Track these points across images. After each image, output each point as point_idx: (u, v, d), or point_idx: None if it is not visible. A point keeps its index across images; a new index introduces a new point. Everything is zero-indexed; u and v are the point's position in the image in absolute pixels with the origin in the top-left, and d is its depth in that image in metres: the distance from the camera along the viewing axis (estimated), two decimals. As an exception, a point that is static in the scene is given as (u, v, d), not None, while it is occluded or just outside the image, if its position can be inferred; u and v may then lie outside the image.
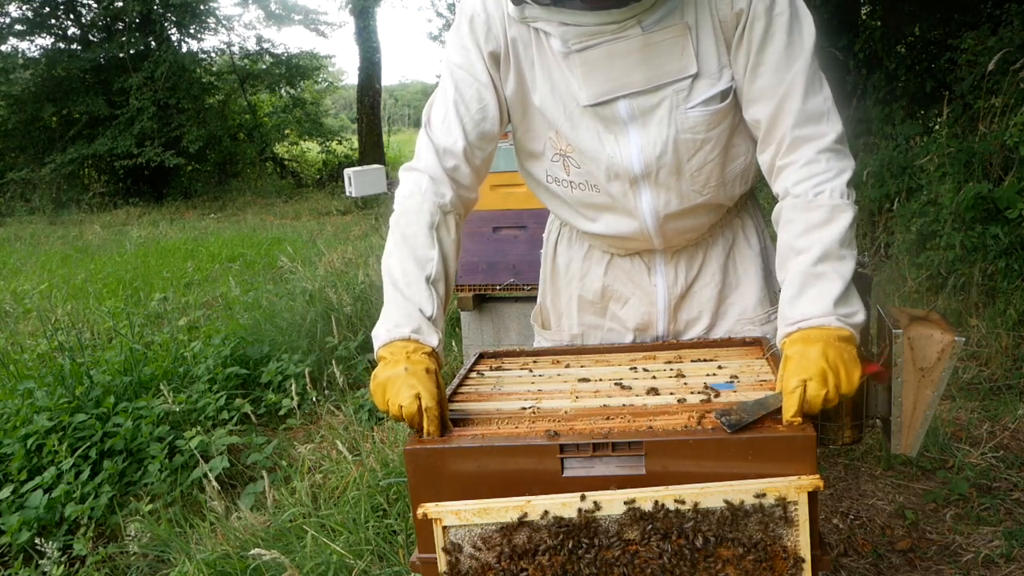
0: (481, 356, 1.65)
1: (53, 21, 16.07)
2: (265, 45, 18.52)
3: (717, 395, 1.29)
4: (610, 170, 1.44)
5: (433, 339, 1.31)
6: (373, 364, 1.34)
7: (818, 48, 1.36)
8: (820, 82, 1.36)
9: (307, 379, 3.80)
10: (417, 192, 1.45)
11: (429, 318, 1.33)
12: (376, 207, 11.02)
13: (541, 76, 1.43)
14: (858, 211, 1.32)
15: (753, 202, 1.67)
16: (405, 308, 1.33)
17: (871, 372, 1.24)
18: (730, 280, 1.62)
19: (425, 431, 1.20)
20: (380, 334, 1.33)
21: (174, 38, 16.76)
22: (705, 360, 1.50)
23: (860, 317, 1.23)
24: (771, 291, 1.63)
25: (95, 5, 16.28)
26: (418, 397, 1.20)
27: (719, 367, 1.45)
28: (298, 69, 18.48)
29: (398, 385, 1.22)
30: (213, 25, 17.76)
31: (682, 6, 1.33)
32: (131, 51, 15.48)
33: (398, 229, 1.43)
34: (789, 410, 1.13)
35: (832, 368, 1.15)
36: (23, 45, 16.43)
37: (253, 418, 3.77)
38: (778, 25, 1.33)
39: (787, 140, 1.35)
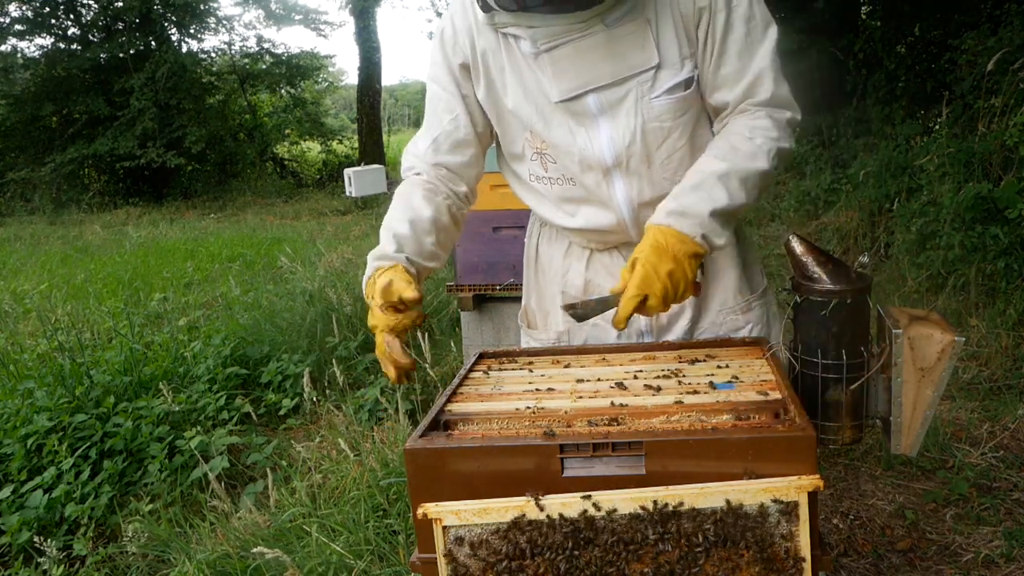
0: (481, 356, 1.65)
1: (53, 21, 16.07)
2: (265, 45, 18.53)
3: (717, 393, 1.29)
4: (583, 162, 1.51)
5: (389, 247, 1.43)
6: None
7: (779, 45, 1.46)
8: (781, 69, 1.46)
9: (307, 379, 3.81)
10: (418, 167, 1.60)
11: (395, 235, 1.45)
12: (376, 207, 11.03)
13: (512, 79, 1.51)
14: (772, 177, 1.43)
15: None
16: (371, 256, 1.45)
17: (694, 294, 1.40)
18: (709, 271, 1.67)
19: (385, 371, 1.35)
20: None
21: (174, 38, 16.77)
22: (705, 360, 1.50)
23: (722, 241, 1.37)
24: (749, 280, 1.70)
25: (95, 5, 16.28)
26: (381, 332, 1.34)
27: (719, 367, 1.45)
28: (298, 69, 18.49)
29: (373, 328, 1.37)
30: (213, 25, 17.76)
31: (643, 2, 1.40)
32: (131, 51, 15.48)
33: (399, 194, 1.57)
34: (622, 312, 1.31)
35: (674, 288, 1.32)
36: (23, 45, 16.42)
37: (253, 418, 3.77)
38: (736, 15, 1.42)
39: (747, 107, 1.46)
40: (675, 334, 1.66)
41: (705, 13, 1.41)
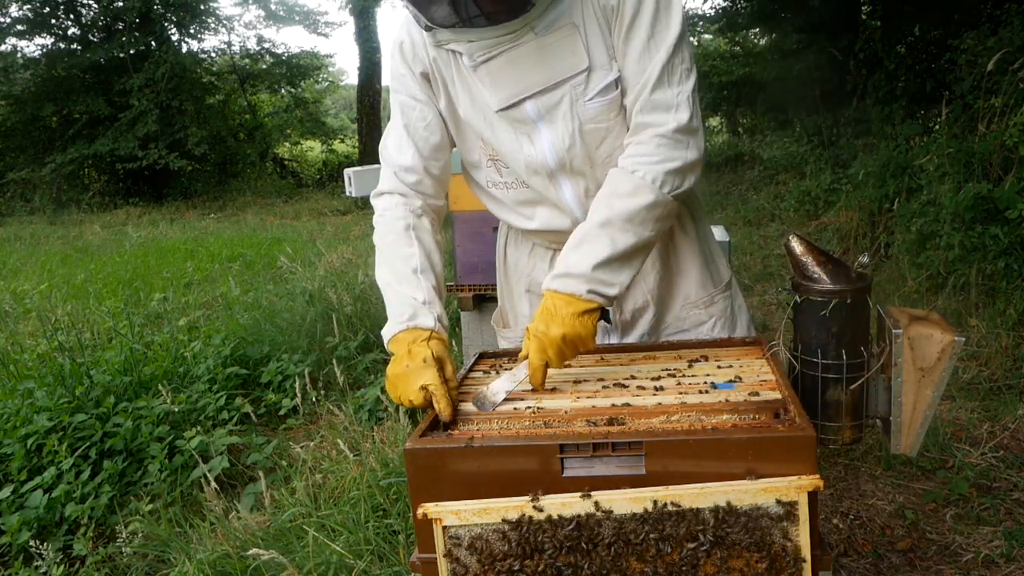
0: (481, 356, 1.66)
1: (53, 21, 16.07)
2: (266, 45, 18.52)
3: (718, 390, 1.29)
4: (529, 167, 1.54)
5: (428, 320, 1.43)
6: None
7: (685, 41, 1.42)
8: (681, 75, 1.43)
9: (307, 379, 3.80)
10: (389, 208, 1.60)
11: (424, 302, 1.46)
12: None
13: (461, 91, 1.54)
14: (670, 200, 1.41)
15: (692, 198, 1.74)
16: (400, 300, 1.47)
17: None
18: (671, 267, 1.69)
19: (439, 412, 1.30)
20: (385, 332, 1.46)
21: (174, 38, 16.76)
22: (705, 360, 1.50)
23: (614, 291, 1.38)
24: (712, 275, 1.72)
25: (95, 5, 16.28)
26: (424, 388, 1.32)
27: (719, 367, 1.45)
28: (298, 69, 18.48)
29: (407, 382, 1.36)
30: (213, 25, 17.75)
31: (569, 8, 1.42)
32: (131, 51, 15.47)
33: (381, 245, 1.58)
34: (534, 381, 1.36)
35: (569, 347, 1.36)
36: (23, 45, 16.42)
37: (253, 418, 3.77)
38: (643, 18, 1.41)
39: (633, 125, 1.45)
40: (639, 330, 1.70)
41: (615, 11, 1.42)
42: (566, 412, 1.27)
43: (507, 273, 1.84)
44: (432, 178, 1.62)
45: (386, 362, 4.10)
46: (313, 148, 18.82)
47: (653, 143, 1.41)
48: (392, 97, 1.63)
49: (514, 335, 1.83)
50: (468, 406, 1.35)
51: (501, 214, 1.70)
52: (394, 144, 1.62)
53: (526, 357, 1.38)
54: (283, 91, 18.73)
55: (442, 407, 1.30)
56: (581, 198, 1.56)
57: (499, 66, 1.45)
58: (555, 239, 1.66)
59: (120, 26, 15.99)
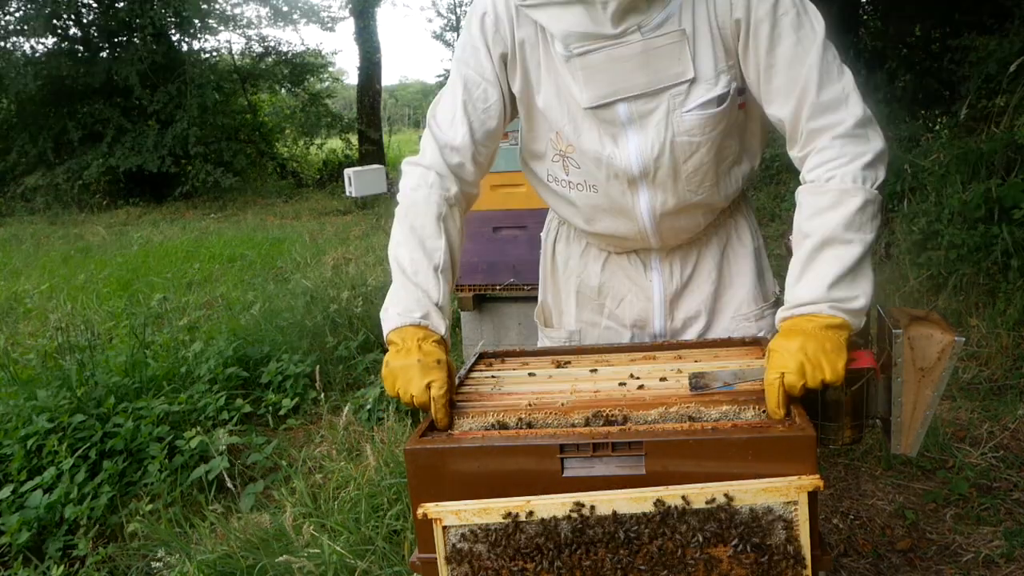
0: (481, 356, 1.65)
1: (55, 22, 16.05)
2: (270, 43, 18.49)
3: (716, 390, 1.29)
4: (610, 170, 1.48)
5: (442, 327, 1.37)
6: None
7: (830, 36, 1.36)
8: (837, 70, 1.35)
9: (307, 379, 3.80)
10: (424, 185, 1.49)
11: (437, 305, 1.39)
12: (376, 207, 11.02)
13: (547, 77, 1.48)
14: (877, 194, 1.30)
15: (746, 204, 1.72)
16: (415, 294, 1.39)
17: (861, 363, 1.23)
18: (725, 278, 1.67)
19: (436, 419, 1.26)
20: (390, 317, 1.38)
21: (175, 38, 16.74)
22: (705, 360, 1.50)
23: (859, 303, 1.23)
24: (764, 289, 1.69)
25: (95, 5, 16.26)
26: (429, 387, 1.27)
27: (720, 367, 1.45)
28: (301, 67, 18.46)
29: (411, 375, 1.29)
30: (214, 25, 17.73)
31: (679, 13, 1.37)
32: (132, 51, 15.46)
33: (407, 220, 1.47)
34: (770, 403, 1.18)
35: (811, 360, 1.17)
36: (24, 45, 16.37)
37: (254, 417, 3.77)
38: (784, 25, 1.34)
39: (805, 133, 1.37)
40: (688, 337, 1.67)
41: (742, 25, 1.36)
42: (563, 404, 1.27)
43: (555, 270, 1.78)
44: (476, 165, 1.53)
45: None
46: (314, 148, 18.74)
47: (837, 145, 1.32)
48: (456, 67, 1.54)
49: (559, 335, 1.77)
50: (468, 406, 1.34)
51: (558, 208, 1.65)
52: (447, 118, 1.52)
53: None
54: (283, 91, 18.70)
55: (440, 417, 1.26)
56: (656, 210, 1.51)
57: (596, 62, 1.39)
58: (615, 243, 1.63)
59: (121, 27, 15.97)
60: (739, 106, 1.47)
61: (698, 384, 1.25)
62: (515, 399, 1.36)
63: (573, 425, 1.24)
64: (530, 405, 1.29)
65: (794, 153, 1.42)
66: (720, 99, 1.41)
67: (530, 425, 1.25)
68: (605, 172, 1.49)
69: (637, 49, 1.37)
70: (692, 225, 1.58)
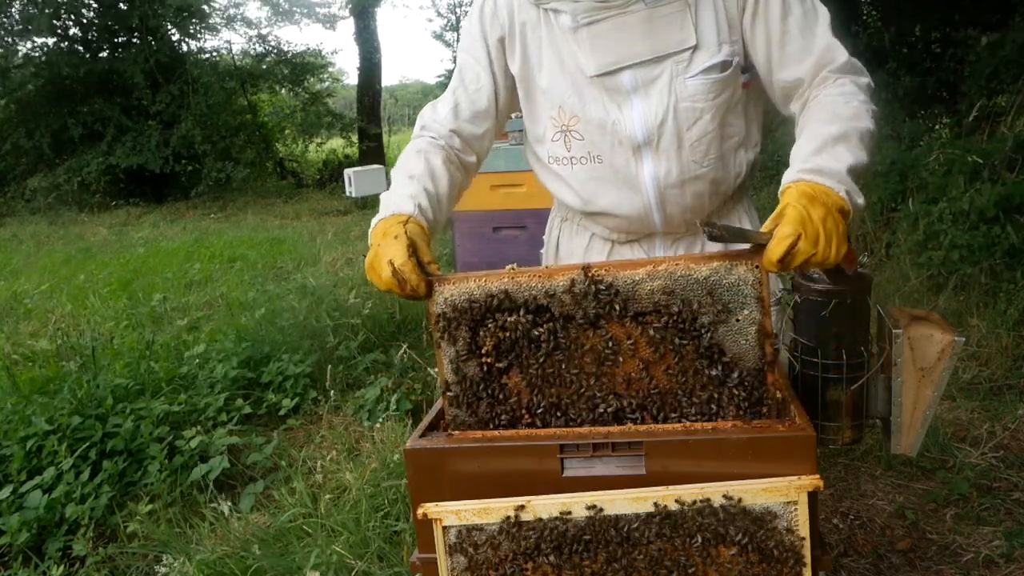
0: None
1: (55, 22, 16.04)
2: (271, 43, 18.48)
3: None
4: (615, 137, 1.52)
5: (407, 205, 1.41)
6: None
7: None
8: (824, 23, 1.46)
9: (308, 379, 3.80)
10: (411, 147, 1.59)
11: (408, 195, 1.43)
12: (376, 207, 10.98)
13: (549, 53, 1.54)
14: (877, 137, 1.38)
15: (748, 201, 1.74)
16: (387, 199, 1.45)
17: (849, 258, 1.24)
18: None
19: (409, 287, 1.26)
20: (370, 230, 1.43)
21: (175, 38, 16.74)
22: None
23: (861, 200, 1.27)
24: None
25: (95, 5, 16.26)
26: (391, 263, 1.27)
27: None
28: (302, 67, 18.45)
29: (378, 261, 1.31)
30: (214, 25, 17.74)
31: None
32: (133, 52, 15.46)
33: (395, 173, 1.55)
34: (774, 252, 1.15)
35: (827, 237, 1.17)
36: (26, 46, 16.35)
37: (254, 417, 3.77)
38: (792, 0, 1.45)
39: (828, 75, 1.44)
40: None
41: (751, 2, 1.44)
42: (547, 266, 1.29)
43: (559, 263, 1.80)
44: (461, 139, 1.61)
45: (387, 363, 4.12)
46: (314, 148, 18.73)
47: (855, 86, 1.42)
48: (458, 55, 1.66)
49: None
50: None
51: (561, 193, 1.68)
52: (442, 99, 1.64)
53: (766, 231, 1.20)
54: (284, 91, 18.68)
55: (413, 281, 1.26)
56: (660, 179, 1.54)
57: (602, 31, 1.46)
58: (618, 226, 1.65)
59: (121, 27, 15.97)
60: (743, 85, 1.52)
61: (712, 233, 1.16)
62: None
63: (556, 288, 1.22)
64: (512, 269, 1.27)
65: (796, 106, 1.48)
66: (723, 65, 1.46)
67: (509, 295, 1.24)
68: (610, 140, 1.52)
69: (642, 17, 1.44)
70: (697, 204, 1.59)
